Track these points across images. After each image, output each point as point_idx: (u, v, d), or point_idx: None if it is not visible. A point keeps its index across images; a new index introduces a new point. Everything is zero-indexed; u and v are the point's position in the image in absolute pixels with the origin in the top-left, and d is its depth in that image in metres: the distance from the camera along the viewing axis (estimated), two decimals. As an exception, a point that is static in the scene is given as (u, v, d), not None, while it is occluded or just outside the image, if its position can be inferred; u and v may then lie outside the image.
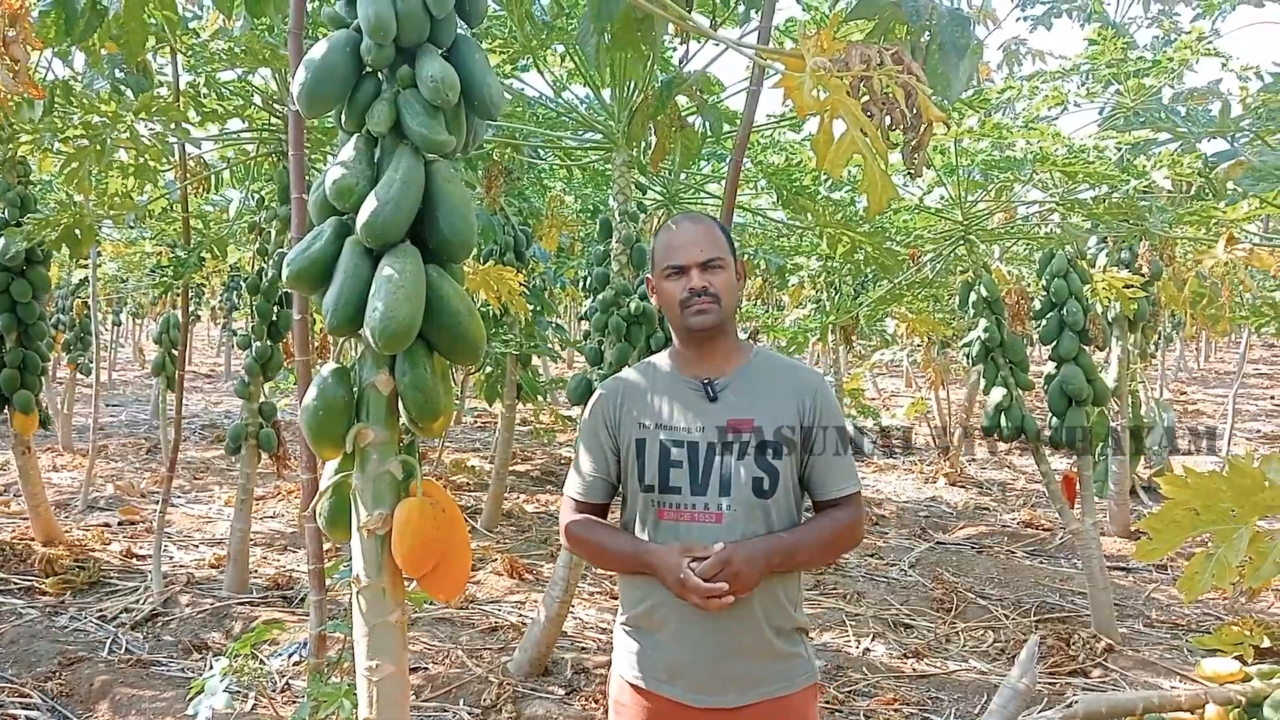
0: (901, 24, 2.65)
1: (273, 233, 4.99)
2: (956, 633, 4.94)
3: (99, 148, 3.88)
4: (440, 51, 1.82)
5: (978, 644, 4.79)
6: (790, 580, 1.89)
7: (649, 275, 2.02)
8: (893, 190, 1.75)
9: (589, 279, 4.93)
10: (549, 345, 7.68)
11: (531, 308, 6.26)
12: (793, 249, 6.26)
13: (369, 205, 1.70)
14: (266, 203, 5.18)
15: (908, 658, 4.57)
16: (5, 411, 5.57)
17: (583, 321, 10.41)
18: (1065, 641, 4.67)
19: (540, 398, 7.43)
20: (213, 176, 5.56)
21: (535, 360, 7.74)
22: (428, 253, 1.79)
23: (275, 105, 4.91)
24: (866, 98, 1.86)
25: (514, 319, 6.39)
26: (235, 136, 5.22)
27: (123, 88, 4.38)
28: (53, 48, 3.33)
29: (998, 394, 4.92)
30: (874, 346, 10.26)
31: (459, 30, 1.86)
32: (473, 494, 7.81)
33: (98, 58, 3.66)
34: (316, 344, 5.67)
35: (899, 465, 9.73)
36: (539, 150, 5.37)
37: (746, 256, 5.93)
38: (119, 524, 6.52)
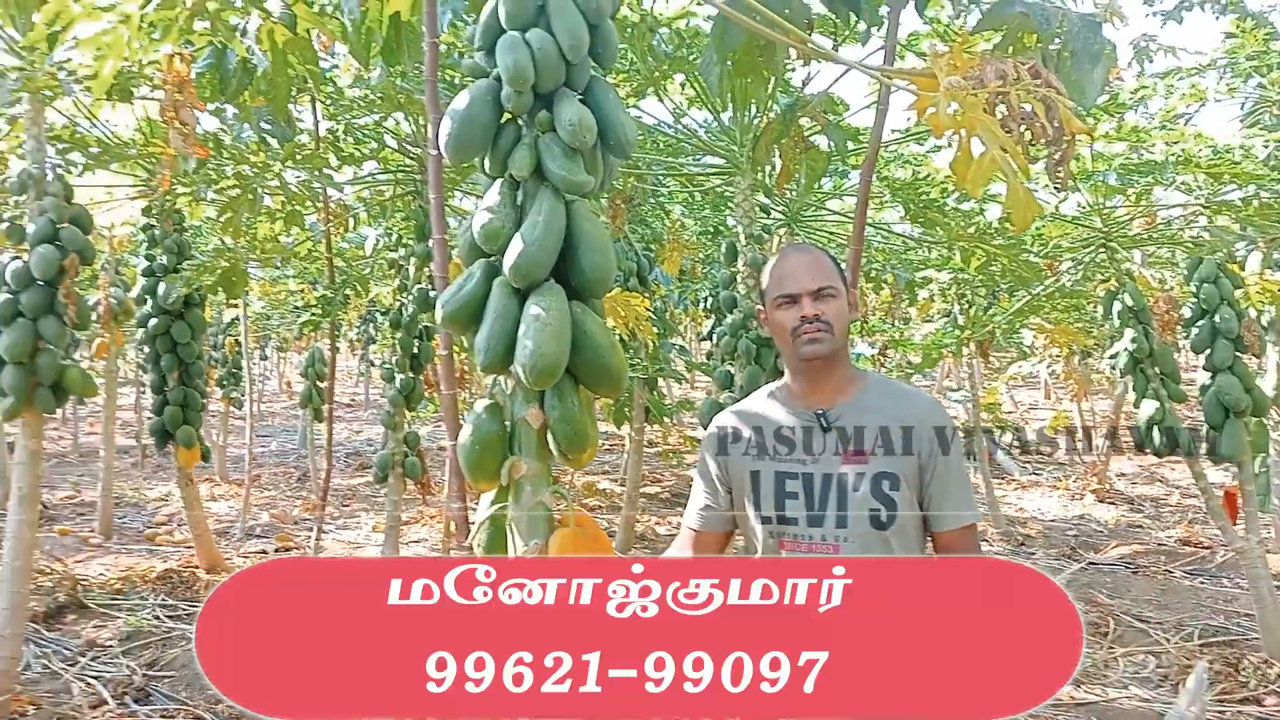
0: (1030, 33, 2.59)
1: (411, 269, 5.18)
2: (1115, 658, 4.72)
3: (251, 196, 4.14)
4: (576, 95, 1.88)
5: (1138, 670, 4.56)
6: None
7: (760, 307, 2.02)
8: (1038, 208, 1.72)
9: (712, 301, 4.96)
10: (674, 367, 7.74)
11: (656, 331, 6.33)
12: (921, 262, 6.15)
13: (515, 247, 1.77)
14: (403, 240, 5.40)
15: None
16: (170, 446, 5.94)
17: (704, 342, 10.43)
18: (1234, 667, 4.40)
19: (667, 419, 7.48)
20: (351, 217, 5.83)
21: (660, 382, 7.80)
22: (571, 290, 1.84)
23: (408, 146, 5.13)
24: (1004, 113, 1.83)
25: (640, 343, 6.46)
26: (371, 178, 5.47)
27: (269, 138, 4.65)
28: (209, 105, 3.56)
29: (1149, 407, 4.70)
30: (1010, 359, 9.94)
31: (592, 73, 1.93)
32: (605, 517, 7.90)
33: (248, 112, 3.90)
34: (456, 375, 5.84)
35: (1042, 482, 9.37)
36: (660, 177, 5.44)
37: (874, 271, 5.85)
38: (275, 551, 6.86)
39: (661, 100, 4.22)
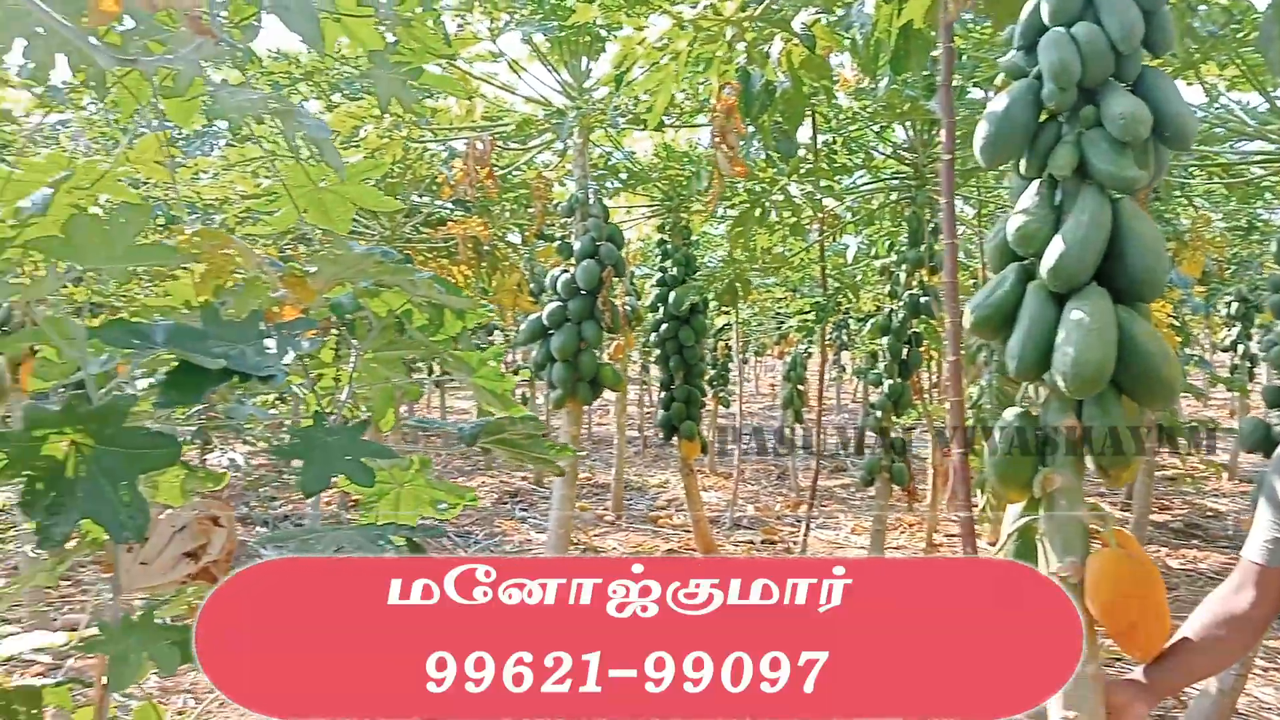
0: None
1: (901, 276, 5.19)
2: None
3: (759, 211, 4.43)
4: (1125, 86, 1.77)
5: None
6: None
7: None
8: None
9: (1239, 307, 4.32)
10: (1192, 382, 6.88)
11: (1178, 340, 5.66)
12: None
13: (1054, 248, 1.70)
14: (895, 247, 5.41)
15: None
16: (674, 438, 6.54)
17: (1223, 354, 9.14)
18: None
19: (1183, 440, 6.67)
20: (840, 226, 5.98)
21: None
22: (1116, 293, 1.73)
23: (903, 153, 5.13)
24: None
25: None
26: (863, 187, 5.55)
27: (774, 154, 4.93)
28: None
29: None
30: None
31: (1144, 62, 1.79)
32: (1101, 542, 7.25)
33: (767, 132, 4.17)
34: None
35: None
36: (1186, 167, 4.86)
37: None
38: (761, 543, 7.26)
39: (1196, 83, 3.78)
